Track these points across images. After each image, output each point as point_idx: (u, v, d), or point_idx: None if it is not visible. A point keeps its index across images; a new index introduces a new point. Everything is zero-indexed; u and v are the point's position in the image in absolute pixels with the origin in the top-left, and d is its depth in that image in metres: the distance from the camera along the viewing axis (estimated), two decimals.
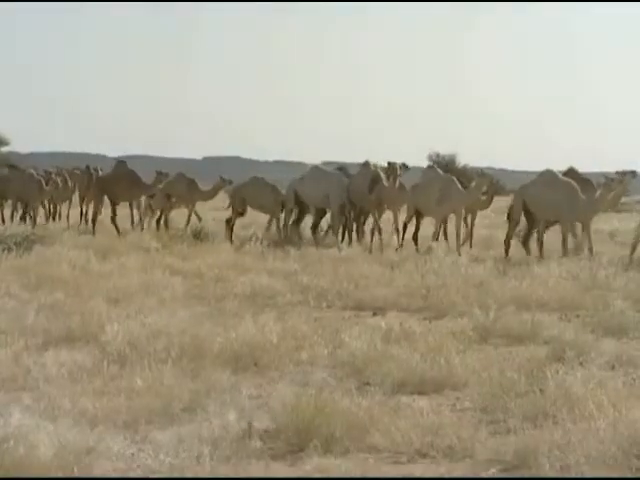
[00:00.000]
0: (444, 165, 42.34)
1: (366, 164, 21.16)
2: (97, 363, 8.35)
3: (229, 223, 22.27)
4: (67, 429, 6.28)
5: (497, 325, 10.19)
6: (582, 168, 20.16)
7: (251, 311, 10.96)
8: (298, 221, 22.04)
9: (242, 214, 22.70)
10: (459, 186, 19.57)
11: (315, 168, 22.19)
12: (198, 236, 20.47)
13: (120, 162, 24.50)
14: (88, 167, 25.48)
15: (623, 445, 6.05)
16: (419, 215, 19.91)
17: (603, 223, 24.60)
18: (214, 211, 28.64)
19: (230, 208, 22.73)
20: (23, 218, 25.03)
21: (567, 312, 11.88)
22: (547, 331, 10.00)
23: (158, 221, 23.38)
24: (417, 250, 18.71)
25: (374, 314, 11.84)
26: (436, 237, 19.71)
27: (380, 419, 6.68)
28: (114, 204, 23.41)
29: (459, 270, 14.48)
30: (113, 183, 23.55)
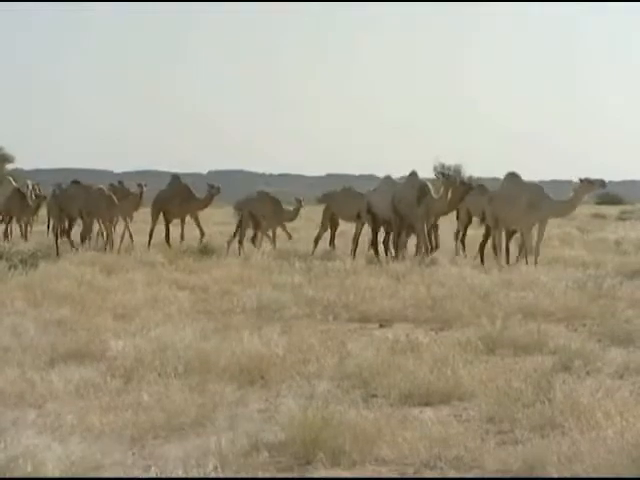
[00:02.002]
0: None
1: (413, 174, 20.10)
2: (103, 379, 8.35)
3: (317, 240, 21.60)
4: (74, 445, 6.27)
5: (503, 335, 10.17)
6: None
7: (257, 325, 10.96)
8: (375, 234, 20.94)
9: (335, 227, 22.00)
10: (549, 194, 18.33)
11: (387, 179, 21.14)
12: (204, 251, 20.44)
13: (174, 177, 23.79)
14: (121, 182, 24.73)
15: (632, 454, 6.03)
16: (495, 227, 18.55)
17: (609, 232, 24.60)
18: (220, 225, 28.66)
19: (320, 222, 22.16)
20: (84, 238, 23.03)
21: (574, 321, 11.88)
22: (554, 341, 9.98)
23: (253, 239, 22.72)
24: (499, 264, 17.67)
25: (381, 326, 11.84)
26: (524, 251, 18.15)
27: (387, 431, 6.67)
28: (168, 221, 22.89)
29: (465, 281, 14.48)
30: (168, 199, 22.97)
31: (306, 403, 7.19)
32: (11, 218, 26.37)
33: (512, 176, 19.07)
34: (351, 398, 7.56)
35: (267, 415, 7.47)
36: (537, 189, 18.45)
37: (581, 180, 18.08)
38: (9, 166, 56.97)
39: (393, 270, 16.47)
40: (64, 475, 5.90)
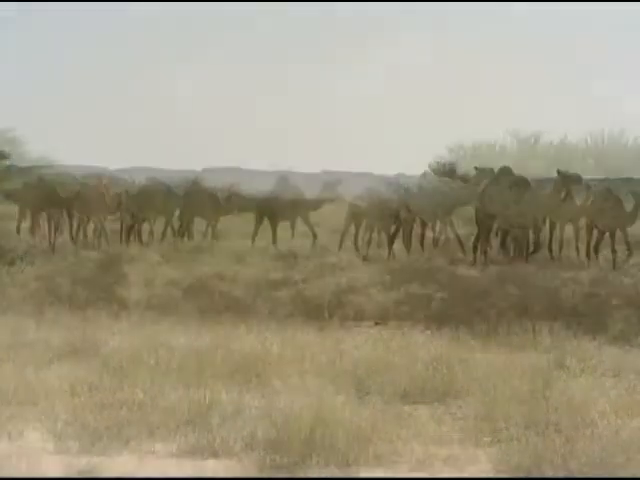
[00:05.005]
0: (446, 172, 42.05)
1: (506, 170, 18.51)
2: (98, 376, 8.34)
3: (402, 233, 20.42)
4: (69, 443, 6.27)
5: (499, 333, 10.17)
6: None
7: (252, 323, 10.95)
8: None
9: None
10: None
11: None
12: (199, 248, 20.33)
13: (282, 178, 22.50)
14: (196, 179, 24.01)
15: (626, 452, 6.04)
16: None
17: None
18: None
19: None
20: (183, 234, 21.91)
21: (568, 319, 11.87)
22: (549, 339, 9.98)
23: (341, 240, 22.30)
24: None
25: (376, 324, 11.84)
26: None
27: (382, 429, 6.67)
28: (274, 224, 21.31)
29: (461, 279, 14.48)
30: (275, 201, 21.55)
31: (301, 401, 7.19)
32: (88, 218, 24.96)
33: None
34: (346, 396, 7.55)
35: (262, 413, 7.46)
36: None
37: None
38: (5, 163, 56.75)
39: (388, 267, 16.45)
40: (59, 474, 5.90)
